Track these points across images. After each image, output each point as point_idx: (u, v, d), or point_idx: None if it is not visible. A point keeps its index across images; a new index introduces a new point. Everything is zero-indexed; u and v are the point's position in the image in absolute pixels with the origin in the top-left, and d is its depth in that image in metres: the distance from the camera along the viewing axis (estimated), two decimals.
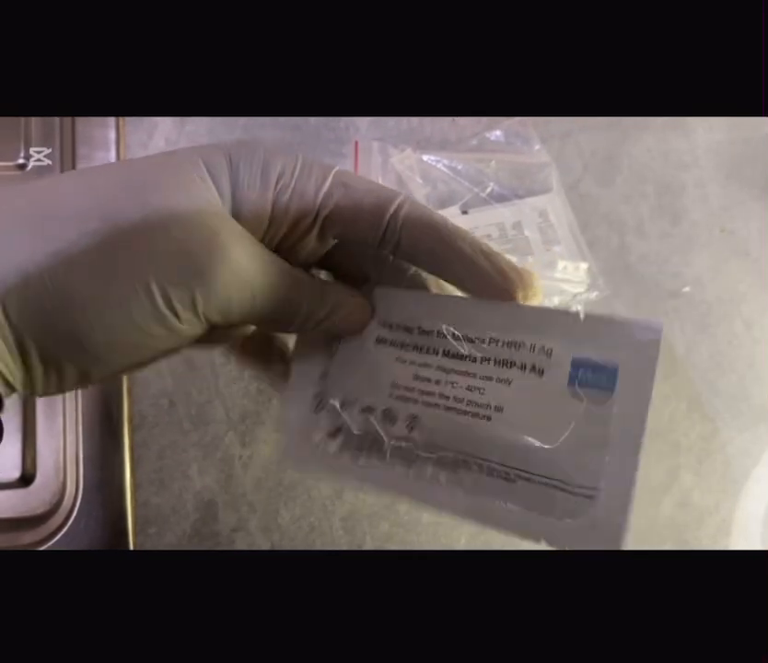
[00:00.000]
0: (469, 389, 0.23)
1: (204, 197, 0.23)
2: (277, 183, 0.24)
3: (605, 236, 0.44)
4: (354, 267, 0.27)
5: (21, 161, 0.45)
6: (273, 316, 0.24)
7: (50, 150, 0.45)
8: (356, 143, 0.43)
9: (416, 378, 0.24)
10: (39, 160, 0.45)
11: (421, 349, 0.24)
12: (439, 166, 0.44)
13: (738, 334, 0.43)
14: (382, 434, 0.24)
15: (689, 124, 0.45)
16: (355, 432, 0.24)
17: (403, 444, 0.23)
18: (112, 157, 0.45)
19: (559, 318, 0.22)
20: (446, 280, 0.25)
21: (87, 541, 0.39)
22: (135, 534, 0.40)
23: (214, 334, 0.27)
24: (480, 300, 0.24)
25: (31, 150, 0.45)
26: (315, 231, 0.25)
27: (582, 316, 0.22)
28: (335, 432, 0.25)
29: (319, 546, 0.40)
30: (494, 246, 0.37)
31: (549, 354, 0.22)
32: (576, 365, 0.21)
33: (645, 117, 0.46)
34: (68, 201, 0.22)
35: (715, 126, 0.45)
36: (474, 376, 0.23)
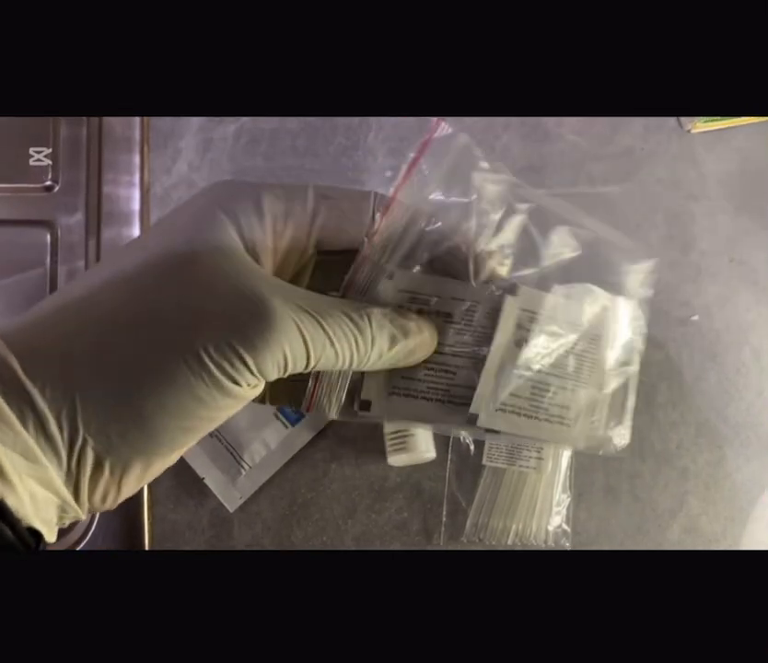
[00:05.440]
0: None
1: (241, 257, 0.22)
2: (272, 214, 0.23)
3: None
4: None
5: (49, 183, 0.47)
6: (331, 356, 0.22)
7: (50, 150, 0.46)
8: (436, 120, 0.28)
9: None
10: (39, 160, 0.46)
11: None
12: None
13: (746, 363, 0.43)
14: None
15: (699, 155, 0.46)
16: None
17: None
18: (137, 181, 0.46)
19: None
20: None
21: None
22: (152, 549, 0.41)
23: None
24: None
25: (31, 150, 0.46)
26: (310, 249, 0.25)
27: None
28: None
29: None
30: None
31: None
32: None
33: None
34: (106, 301, 0.21)
35: (725, 158, 0.46)
36: None
